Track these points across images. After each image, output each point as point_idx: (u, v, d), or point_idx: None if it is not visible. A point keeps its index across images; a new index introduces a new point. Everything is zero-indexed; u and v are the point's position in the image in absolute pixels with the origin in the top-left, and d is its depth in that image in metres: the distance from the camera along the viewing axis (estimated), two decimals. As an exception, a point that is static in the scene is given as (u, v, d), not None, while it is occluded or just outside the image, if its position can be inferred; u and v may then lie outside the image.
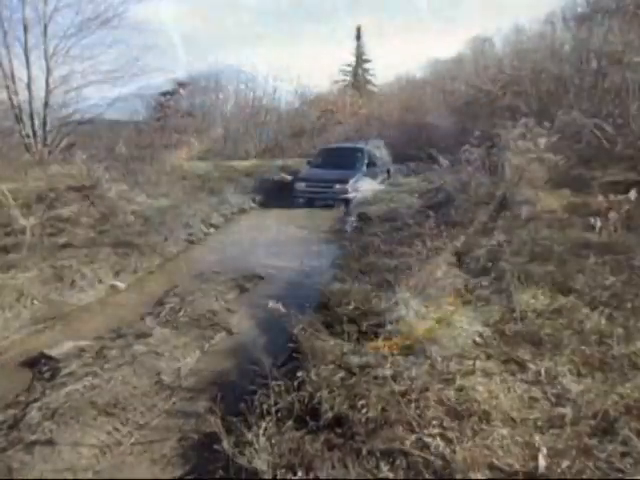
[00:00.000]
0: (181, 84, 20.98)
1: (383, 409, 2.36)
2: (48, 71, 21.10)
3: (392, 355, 2.88)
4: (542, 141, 6.79)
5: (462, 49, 32.78)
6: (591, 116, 12.56)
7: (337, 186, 10.85)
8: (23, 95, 20.26)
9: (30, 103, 20.53)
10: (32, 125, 20.51)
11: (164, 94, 20.36)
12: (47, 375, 3.39)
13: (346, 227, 8.20)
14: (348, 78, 39.22)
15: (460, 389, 2.48)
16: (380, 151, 13.74)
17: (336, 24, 51.87)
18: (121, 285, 5.46)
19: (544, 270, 4.51)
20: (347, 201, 10.49)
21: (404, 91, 33.25)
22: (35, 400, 3.01)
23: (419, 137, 28.47)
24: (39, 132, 20.86)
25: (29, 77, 20.31)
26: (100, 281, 5.34)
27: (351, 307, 3.74)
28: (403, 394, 2.48)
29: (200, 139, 20.74)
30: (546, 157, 6.86)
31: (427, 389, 2.49)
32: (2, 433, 2.70)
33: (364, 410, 2.35)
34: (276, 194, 11.94)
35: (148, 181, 10.54)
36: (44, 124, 21.11)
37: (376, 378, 2.62)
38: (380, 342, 3.03)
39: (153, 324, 4.19)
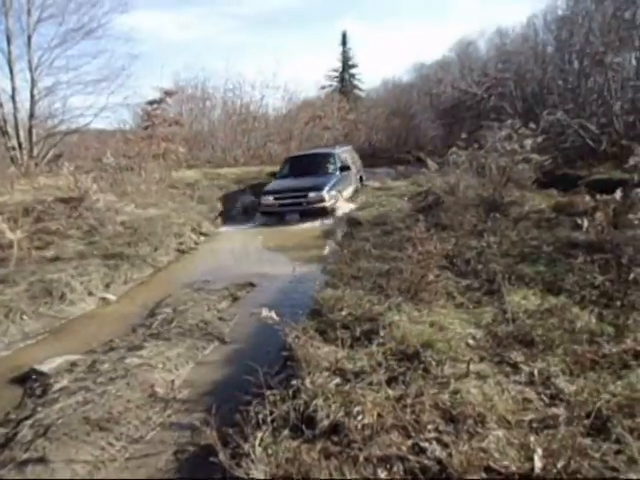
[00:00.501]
0: (168, 92, 20.90)
1: (379, 415, 2.36)
2: (33, 82, 21.00)
3: (386, 360, 2.89)
4: (528, 142, 6.87)
5: (447, 52, 33.26)
6: (575, 116, 12.80)
7: (311, 194, 9.67)
8: (7, 107, 20.16)
9: (15, 115, 20.44)
10: (17, 137, 20.40)
11: (151, 103, 20.27)
12: (38, 391, 3.35)
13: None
14: (335, 83, 39.46)
15: (455, 392, 2.49)
16: (351, 155, 12.92)
17: (322, 30, 52.31)
18: (111, 297, 5.42)
19: (534, 270, 4.56)
20: (325, 211, 9.49)
21: (391, 95, 33.62)
22: (27, 417, 2.97)
23: (407, 140, 28.84)
24: (25, 144, 20.73)
25: (13, 89, 20.18)
26: (90, 293, 5.29)
27: (344, 313, 3.74)
28: (398, 399, 2.48)
29: (188, 147, 20.72)
30: (532, 158, 6.92)
31: (422, 393, 2.49)
32: (-7, 452, 2.66)
33: (360, 417, 2.35)
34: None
35: (137, 191, 10.50)
36: (30, 136, 21.00)
37: (371, 384, 2.62)
38: (374, 347, 3.03)
39: (145, 336, 4.16)
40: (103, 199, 8.75)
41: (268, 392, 2.62)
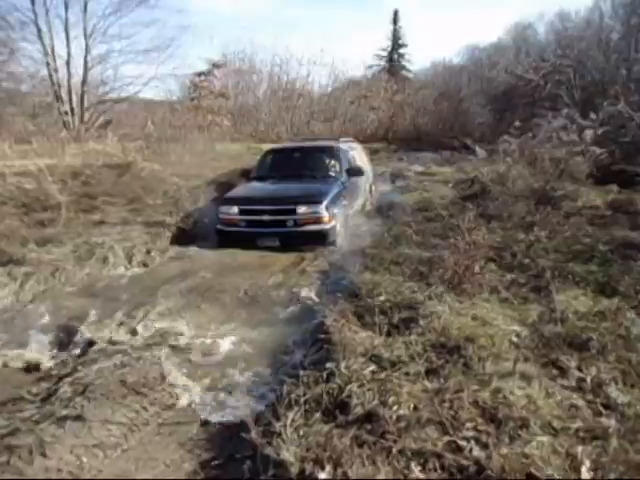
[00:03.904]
0: (215, 64, 21.02)
1: (415, 407, 2.28)
2: (87, 49, 21.54)
3: (425, 351, 2.79)
4: (589, 133, 6.46)
5: (502, 35, 31.80)
6: (638, 109, 11.98)
7: (302, 209, 6.02)
8: (62, 72, 20.76)
9: (69, 81, 21.06)
10: (70, 102, 21.05)
11: (199, 74, 20.45)
12: (78, 351, 3.44)
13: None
14: (383, 63, 38.54)
15: (497, 391, 2.38)
16: (360, 155, 9.00)
17: (372, 7, 50.89)
18: (151, 263, 5.52)
19: (586, 269, 4.33)
20: (322, 236, 5.99)
21: (440, 77, 32.52)
22: (67, 375, 3.05)
23: (454, 125, 27.94)
24: (77, 109, 21.38)
25: (68, 54, 20.79)
26: (131, 259, 5.39)
27: (382, 298, 3.65)
28: (436, 393, 2.39)
29: (232, 121, 20.82)
30: (591, 150, 6.52)
31: (461, 389, 2.39)
32: (36, 405, 2.75)
33: (395, 407, 2.28)
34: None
35: (181, 161, 10.61)
36: (82, 101, 21.63)
37: (408, 374, 2.54)
38: (413, 337, 2.94)
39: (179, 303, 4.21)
40: (148, 168, 8.90)
41: (302, 372, 2.59)
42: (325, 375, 2.59)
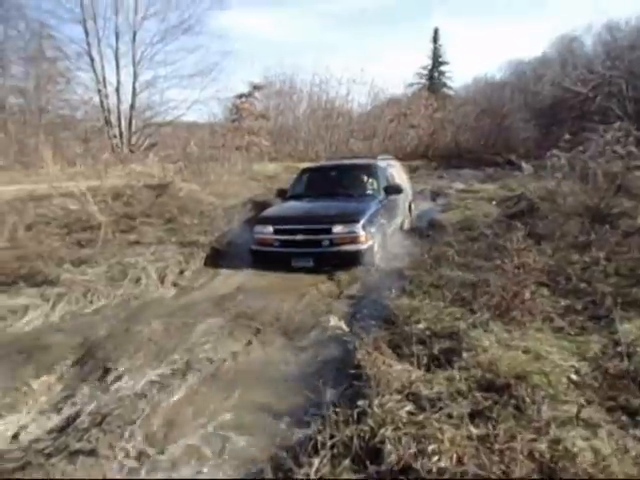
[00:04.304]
0: (256, 86, 21.47)
1: (459, 458, 1.98)
2: (135, 76, 22.65)
3: (469, 389, 2.47)
4: (651, 146, 5.94)
5: (547, 49, 30.91)
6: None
7: (338, 228, 5.83)
8: (112, 99, 21.83)
9: (118, 106, 22.09)
10: (120, 127, 22.04)
11: (240, 96, 20.93)
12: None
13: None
14: (423, 81, 38.34)
15: (556, 442, 2.03)
16: (399, 172, 8.71)
17: (412, 27, 50.96)
18: (184, 284, 5.43)
19: (651, 295, 3.85)
20: (358, 257, 5.77)
21: (482, 93, 31.90)
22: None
23: (496, 141, 27.21)
24: (125, 133, 22.36)
25: (118, 82, 21.89)
26: (164, 279, 5.32)
27: (421, 326, 3.35)
28: (483, 440, 2.08)
29: (272, 140, 21.09)
30: (654, 164, 5.99)
31: (513, 437, 2.06)
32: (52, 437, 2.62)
33: (435, 458, 1.98)
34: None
35: (219, 181, 10.70)
36: (130, 125, 22.62)
37: (450, 417, 2.23)
38: (455, 372, 2.62)
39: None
40: (186, 188, 8.99)
41: (330, 411, 2.33)
42: (356, 415, 2.32)
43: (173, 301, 4.90)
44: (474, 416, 2.27)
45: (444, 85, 38.50)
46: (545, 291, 4.00)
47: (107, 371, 3.26)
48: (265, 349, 3.62)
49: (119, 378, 3.16)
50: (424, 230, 7.63)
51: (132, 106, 22.34)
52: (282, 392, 2.85)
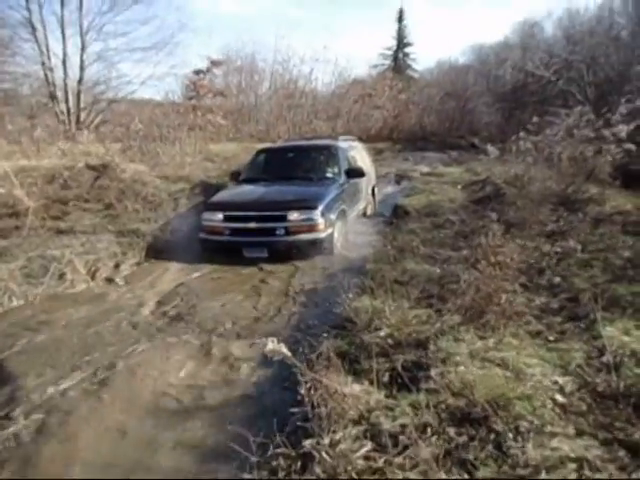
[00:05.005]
0: (214, 62, 20.28)
1: (428, 525, 1.54)
2: (83, 47, 21.03)
3: (439, 420, 2.03)
4: (624, 128, 5.67)
5: (509, 34, 30.94)
6: (658, 105, 11.17)
7: (294, 215, 5.34)
8: (58, 72, 20.24)
9: (65, 80, 20.52)
10: (67, 102, 20.51)
11: (197, 72, 19.77)
12: None
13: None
14: (388, 62, 37.80)
15: (547, 494, 1.63)
16: (361, 154, 8.10)
17: (377, 7, 50.18)
18: (118, 280, 4.79)
19: (631, 291, 3.54)
20: (317, 245, 5.33)
21: (446, 76, 31.69)
22: None
23: (460, 124, 27.15)
24: (73, 109, 20.84)
25: (64, 53, 20.25)
26: (94, 274, 4.67)
27: (383, 333, 2.90)
28: (458, 494, 1.65)
29: (232, 120, 20.12)
30: (628, 148, 5.73)
31: (495, 489, 1.64)
32: None
33: (399, 526, 1.54)
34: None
35: (170, 162, 9.91)
36: (78, 101, 21.08)
37: (416, 463, 1.78)
38: (422, 396, 2.18)
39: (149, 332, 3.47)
40: (131, 169, 8.20)
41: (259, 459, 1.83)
42: (300, 461, 1.84)
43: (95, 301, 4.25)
44: (445, 457, 1.84)
45: (408, 67, 38.08)
46: (516, 286, 3.64)
47: None
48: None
49: None
50: (388, 217, 7.20)
51: (80, 80, 20.77)
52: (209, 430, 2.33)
